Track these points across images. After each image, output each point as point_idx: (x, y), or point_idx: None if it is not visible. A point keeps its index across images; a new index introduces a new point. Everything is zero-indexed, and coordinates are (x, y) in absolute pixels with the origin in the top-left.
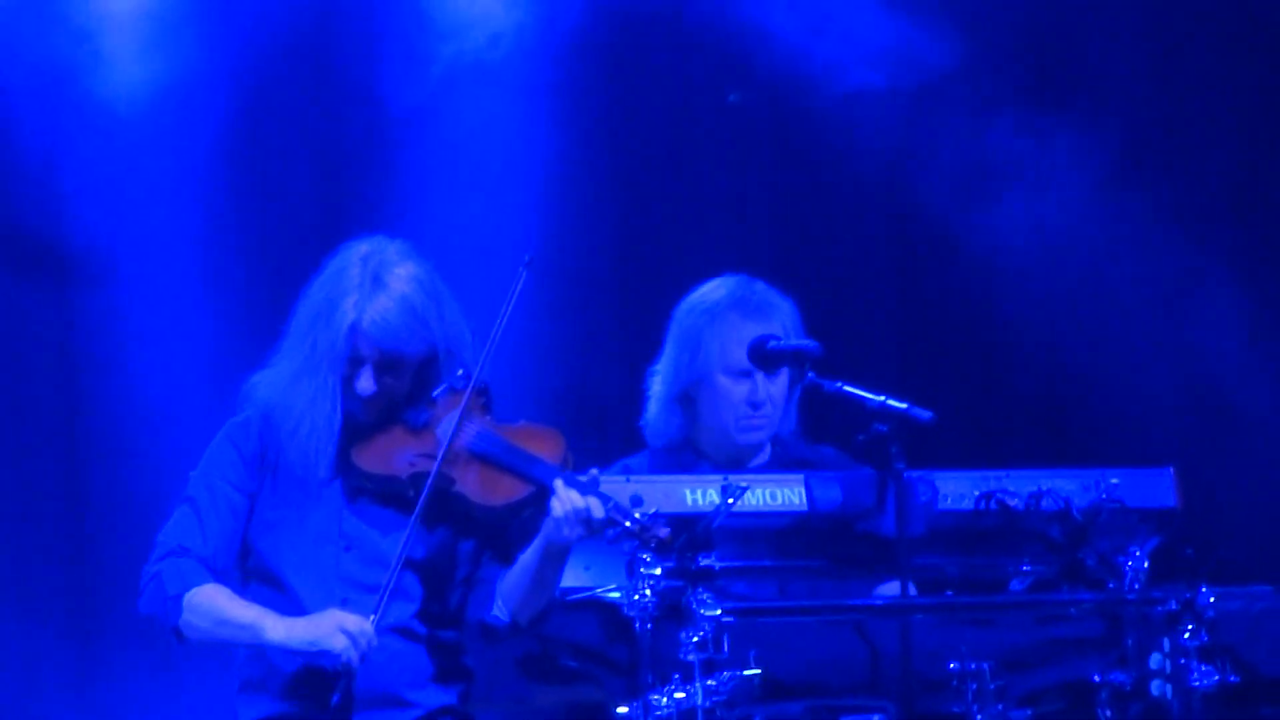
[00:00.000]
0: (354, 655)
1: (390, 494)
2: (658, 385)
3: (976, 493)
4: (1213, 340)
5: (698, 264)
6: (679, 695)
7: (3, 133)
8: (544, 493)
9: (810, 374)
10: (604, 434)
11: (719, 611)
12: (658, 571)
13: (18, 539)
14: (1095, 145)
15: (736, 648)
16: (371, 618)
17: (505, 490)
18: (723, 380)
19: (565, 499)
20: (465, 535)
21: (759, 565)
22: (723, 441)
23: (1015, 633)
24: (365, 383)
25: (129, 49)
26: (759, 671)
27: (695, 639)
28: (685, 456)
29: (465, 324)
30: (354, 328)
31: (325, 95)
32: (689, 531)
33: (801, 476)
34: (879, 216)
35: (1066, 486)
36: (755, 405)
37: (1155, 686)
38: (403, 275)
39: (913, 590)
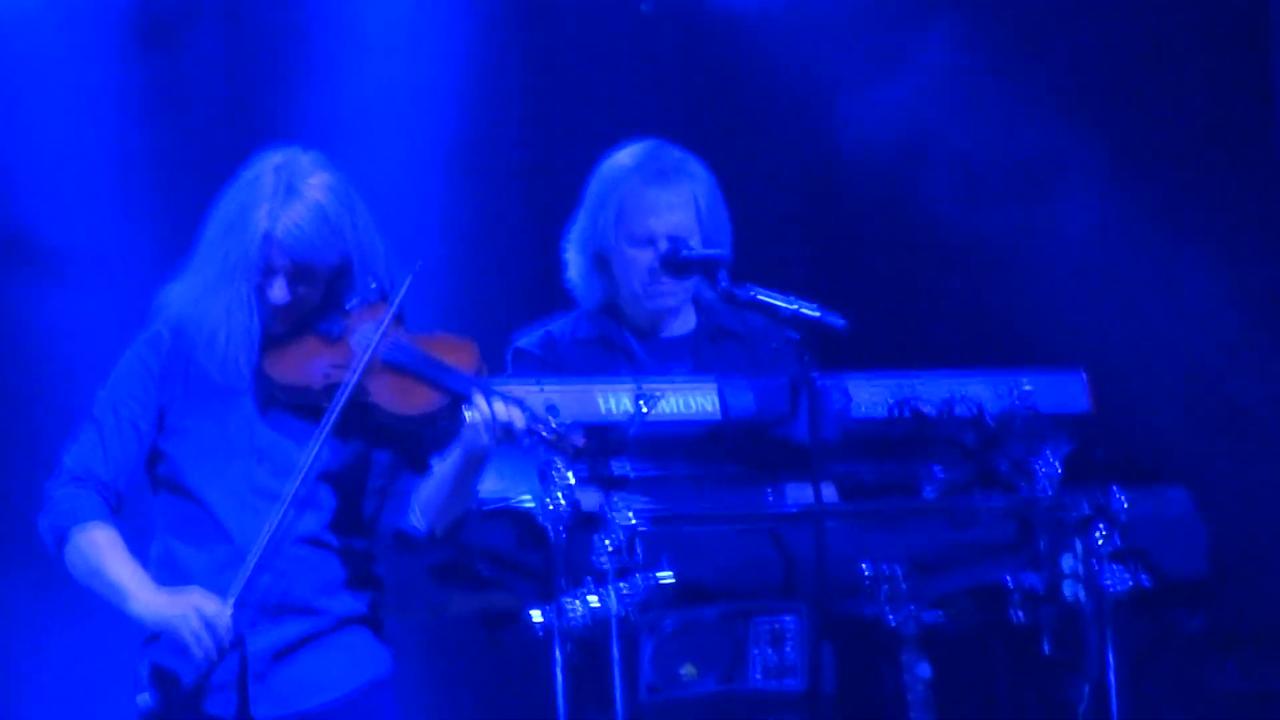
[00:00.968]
0: (200, 652)
1: (303, 405)
2: (572, 251)
3: (890, 400)
4: (1124, 234)
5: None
6: (592, 600)
7: None
8: (458, 402)
9: (723, 280)
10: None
11: (632, 518)
12: (571, 479)
13: None
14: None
15: (650, 553)
16: (230, 601)
17: (420, 400)
18: (626, 248)
19: (483, 408)
20: (380, 445)
21: (673, 473)
22: (636, 306)
23: (928, 536)
24: (278, 291)
25: None
26: (671, 575)
27: (609, 545)
28: (608, 322)
29: (378, 235)
30: (267, 236)
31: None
32: (602, 439)
33: (714, 384)
34: (792, 119)
35: (980, 392)
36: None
37: (1068, 589)
38: (316, 184)
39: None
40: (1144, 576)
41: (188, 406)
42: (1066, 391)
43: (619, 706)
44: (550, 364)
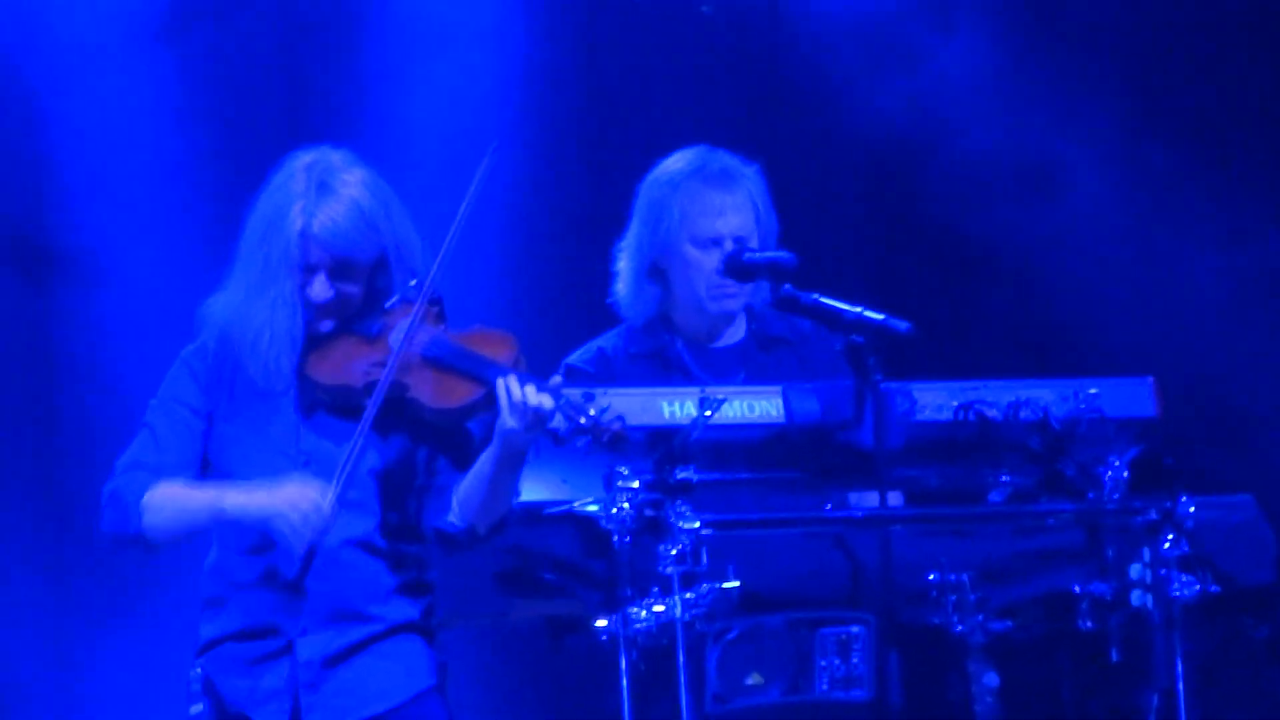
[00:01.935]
0: (300, 541)
1: (346, 405)
2: (625, 261)
3: (955, 404)
4: (1187, 249)
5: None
6: (658, 608)
7: None
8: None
9: (785, 285)
10: (576, 320)
11: (697, 524)
12: (636, 485)
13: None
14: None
15: (715, 561)
16: (333, 487)
17: (458, 393)
18: (690, 250)
19: (514, 394)
20: (421, 442)
21: (737, 478)
22: (695, 314)
23: (995, 544)
24: (320, 289)
25: None
26: (738, 584)
27: (674, 552)
28: (660, 334)
29: (414, 230)
30: (304, 234)
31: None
32: (666, 445)
33: (779, 388)
34: (855, 125)
35: (1045, 397)
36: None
37: (1136, 597)
38: (349, 180)
39: (893, 502)
40: (1212, 583)
41: (232, 412)
42: (1133, 396)
43: (685, 716)
44: (604, 380)
